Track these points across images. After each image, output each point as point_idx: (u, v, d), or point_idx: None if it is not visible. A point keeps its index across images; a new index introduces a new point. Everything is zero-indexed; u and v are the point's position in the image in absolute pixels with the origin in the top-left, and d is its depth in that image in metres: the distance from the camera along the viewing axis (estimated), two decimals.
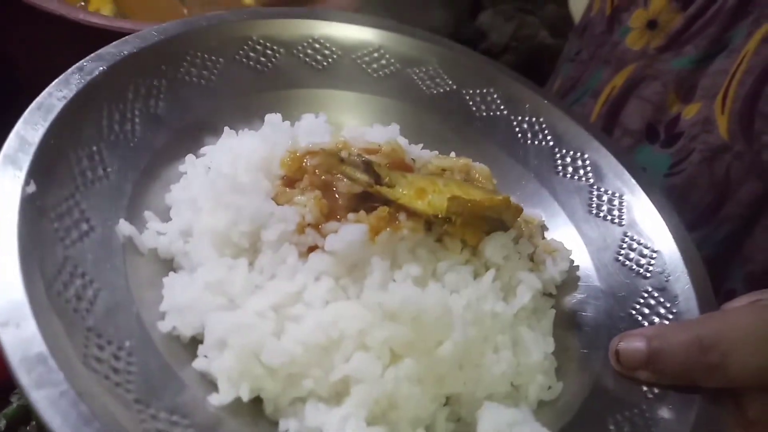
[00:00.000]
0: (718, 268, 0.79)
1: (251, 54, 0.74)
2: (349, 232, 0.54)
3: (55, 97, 0.58)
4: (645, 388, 0.59)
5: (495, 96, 0.81)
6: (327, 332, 0.51)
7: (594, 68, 0.96)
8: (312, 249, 0.56)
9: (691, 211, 0.80)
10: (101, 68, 0.62)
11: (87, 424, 0.42)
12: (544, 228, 0.73)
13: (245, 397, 0.50)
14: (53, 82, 0.59)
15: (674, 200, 0.80)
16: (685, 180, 0.80)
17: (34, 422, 0.67)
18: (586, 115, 0.93)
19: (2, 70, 0.91)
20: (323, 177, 0.59)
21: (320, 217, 0.56)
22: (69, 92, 0.59)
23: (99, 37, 0.67)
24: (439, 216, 0.58)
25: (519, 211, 0.64)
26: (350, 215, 0.56)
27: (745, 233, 0.77)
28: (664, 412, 0.57)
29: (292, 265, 0.54)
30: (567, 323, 0.66)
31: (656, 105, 0.84)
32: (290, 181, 0.61)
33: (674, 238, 0.69)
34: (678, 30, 0.85)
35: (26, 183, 0.52)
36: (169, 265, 0.58)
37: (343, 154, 0.61)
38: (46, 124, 0.56)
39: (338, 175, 0.58)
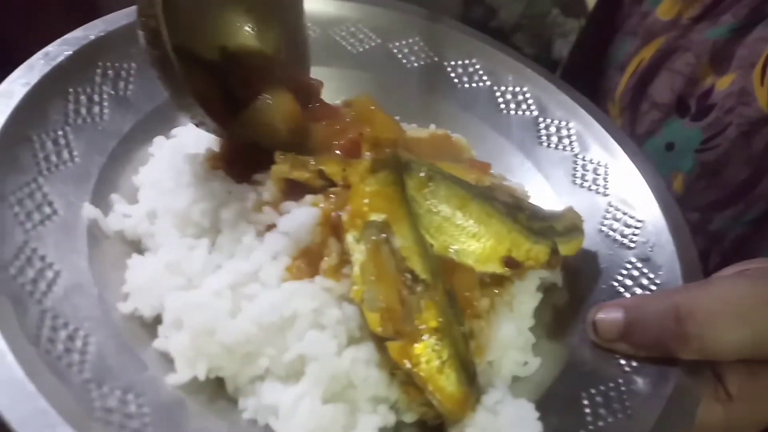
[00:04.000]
0: (748, 250, 0.75)
1: None
2: (301, 215, 0.53)
3: (18, 83, 0.58)
4: (623, 361, 0.57)
5: (477, 67, 0.79)
6: (281, 311, 0.51)
7: (619, 41, 0.92)
8: (270, 227, 0.55)
9: (723, 188, 0.76)
10: (67, 53, 0.62)
11: (32, 402, 0.43)
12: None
13: (202, 376, 0.50)
14: (17, 69, 0.59)
15: (706, 177, 0.77)
16: (719, 155, 0.76)
17: None
18: (612, 89, 0.90)
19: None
20: None
21: (278, 196, 0.56)
22: (33, 78, 0.59)
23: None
24: None
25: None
26: (308, 197, 0.55)
27: None
28: (640, 386, 0.55)
29: (249, 244, 0.54)
30: (546, 296, 0.64)
31: (688, 77, 0.80)
32: None
33: (660, 207, 0.67)
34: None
35: None
36: (136, 247, 0.59)
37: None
38: (9, 110, 0.56)
39: None
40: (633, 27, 0.90)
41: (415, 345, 0.50)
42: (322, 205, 0.54)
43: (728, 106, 0.75)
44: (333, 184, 0.56)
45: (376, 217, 0.52)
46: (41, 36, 0.64)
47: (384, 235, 0.52)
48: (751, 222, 0.74)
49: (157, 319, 0.54)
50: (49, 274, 0.52)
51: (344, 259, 0.53)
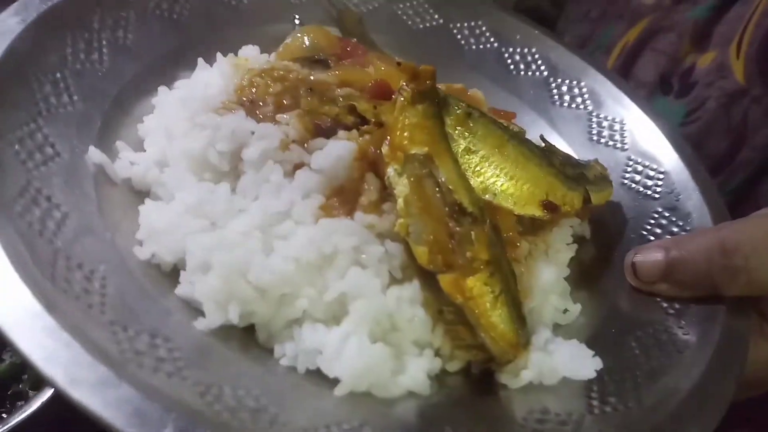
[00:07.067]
0: (732, 218, 0.75)
1: None
2: (337, 149, 0.50)
3: (13, 20, 0.54)
4: (665, 304, 0.55)
5: (484, 29, 0.77)
6: (319, 248, 0.47)
7: (605, 25, 0.92)
8: (298, 167, 0.51)
9: (706, 160, 0.76)
10: None
11: (54, 336, 0.38)
12: None
13: (235, 319, 0.46)
14: (10, 7, 0.55)
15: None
16: (701, 128, 0.76)
17: (26, 376, 0.64)
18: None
19: None
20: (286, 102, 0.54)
21: (305, 134, 0.52)
22: (28, 16, 0.55)
23: None
24: None
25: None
26: (340, 132, 0.52)
27: (758, 180, 0.74)
28: (687, 328, 0.53)
29: (277, 182, 0.50)
30: (577, 248, 0.62)
31: (671, 56, 0.81)
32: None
33: (680, 157, 0.66)
34: None
35: None
36: (144, 196, 0.54)
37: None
38: (4, 45, 0.51)
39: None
40: (618, 11, 0.91)
41: (468, 278, 0.46)
42: (359, 140, 0.50)
43: (708, 81, 0.76)
44: (364, 122, 0.52)
45: (418, 150, 0.49)
46: None
47: (427, 169, 0.49)
48: (732, 192, 0.75)
49: (176, 268, 0.49)
50: (57, 214, 0.47)
51: (383, 196, 0.49)
